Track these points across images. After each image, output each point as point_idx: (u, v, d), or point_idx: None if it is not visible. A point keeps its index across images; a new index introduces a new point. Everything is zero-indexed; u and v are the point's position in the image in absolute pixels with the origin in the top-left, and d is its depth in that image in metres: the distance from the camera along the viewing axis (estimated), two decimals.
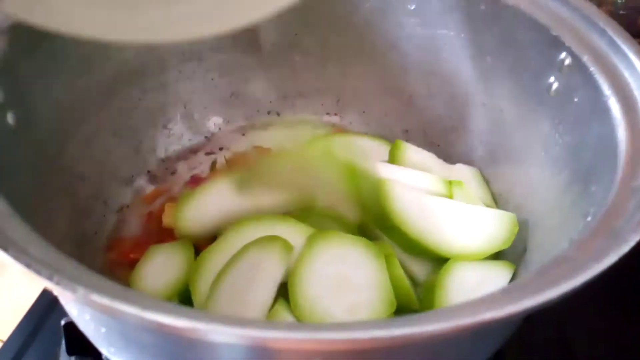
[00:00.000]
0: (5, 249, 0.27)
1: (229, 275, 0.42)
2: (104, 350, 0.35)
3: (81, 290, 0.24)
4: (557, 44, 0.46)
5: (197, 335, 0.23)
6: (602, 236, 0.31)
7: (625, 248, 0.28)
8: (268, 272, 0.41)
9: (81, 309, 0.32)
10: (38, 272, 0.25)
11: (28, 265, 0.25)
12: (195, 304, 0.43)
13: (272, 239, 0.43)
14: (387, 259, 0.45)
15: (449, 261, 0.46)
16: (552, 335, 0.51)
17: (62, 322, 0.45)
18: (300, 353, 0.24)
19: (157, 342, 0.29)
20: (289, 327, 0.23)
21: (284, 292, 0.42)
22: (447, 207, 0.49)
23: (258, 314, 0.39)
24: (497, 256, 0.49)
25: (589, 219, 0.35)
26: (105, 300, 0.24)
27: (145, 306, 0.23)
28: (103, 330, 0.32)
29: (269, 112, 0.63)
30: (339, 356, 0.28)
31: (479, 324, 0.24)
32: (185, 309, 0.25)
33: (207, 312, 0.31)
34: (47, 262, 0.26)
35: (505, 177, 0.54)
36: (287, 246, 0.43)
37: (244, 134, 0.63)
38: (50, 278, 0.25)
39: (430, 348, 0.30)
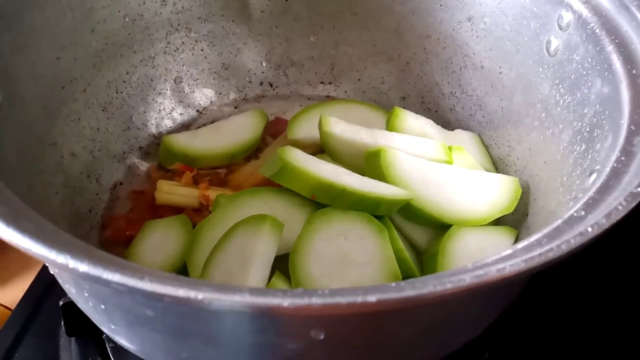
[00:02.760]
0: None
1: (220, 257, 0.40)
2: (104, 328, 0.35)
3: (76, 264, 0.23)
4: (557, 1, 0.45)
5: (197, 304, 0.22)
6: (609, 193, 0.30)
7: (633, 203, 0.27)
8: (259, 252, 0.39)
9: (78, 286, 0.32)
10: (30, 247, 0.24)
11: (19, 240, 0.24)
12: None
13: (260, 218, 0.41)
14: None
15: (451, 228, 0.46)
16: (554, 306, 0.50)
17: (61, 303, 0.45)
18: (297, 321, 0.24)
19: (159, 315, 0.28)
20: (284, 294, 0.22)
21: (280, 265, 0.41)
22: (448, 173, 0.48)
23: None
24: (497, 222, 0.48)
25: (594, 177, 0.34)
26: (106, 274, 0.23)
27: (143, 277, 0.22)
28: (102, 307, 0.31)
29: (261, 83, 0.62)
30: (345, 321, 0.27)
31: (491, 282, 0.23)
32: (184, 278, 0.24)
33: (207, 281, 0.29)
34: (41, 236, 0.25)
35: (505, 141, 0.53)
36: (276, 224, 0.41)
37: (236, 107, 0.61)
38: (45, 252, 0.24)
39: (439, 309, 0.29)
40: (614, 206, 0.27)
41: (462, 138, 0.54)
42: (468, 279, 0.23)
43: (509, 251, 0.28)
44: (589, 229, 0.26)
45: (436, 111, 0.58)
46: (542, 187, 0.47)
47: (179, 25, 0.56)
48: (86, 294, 0.32)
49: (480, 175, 0.49)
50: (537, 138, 0.48)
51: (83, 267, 0.22)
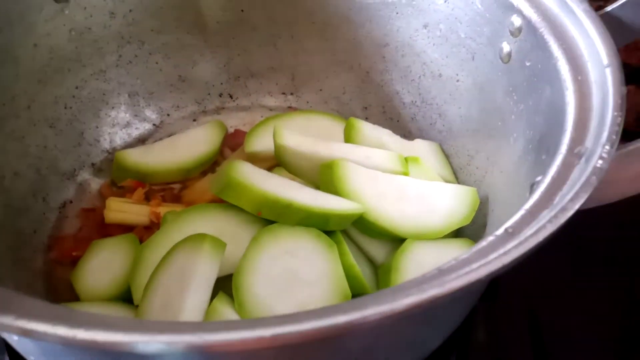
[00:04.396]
0: None
1: (159, 279, 0.39)
2: (26, 357, 0.33)
3: None
4: (508, 6, 0.43)
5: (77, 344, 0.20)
6: (543, 207, 0.28)
7: (562, 219, 0.26)
8: (200, 273, 0.38)
9: None
10: None
11: None
12: (135, 301, 0.41)
13: (200, 237, 0.39)
14: (337, 247, 0.42)
15: (405, 242, 0.44)
16: (519, 308, 0.49)
17: None
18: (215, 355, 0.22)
19: (68, 349, 0.27)
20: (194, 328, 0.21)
21: (225, 285, 0.39)
22: (403, 185, 0.47)
23: (194, 316, 0.36)
24: (457, 233, 0.47)
25: (534, 188, 0.33)
26: None
27: (18, 317, 0.20)
28: (15, 338, 0.29)
29: (220, 95, 0.61)
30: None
31: (398, 313, 0.22)
32: (76, 314, 0.22)
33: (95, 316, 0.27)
34: None
35: (465, 150, 0.52)
36: (217, 244, 0.39)
37: (195, 120, 0.60)
38: None
39: (373, 331, 0.28)
40: (542, 224, 0.26)
41: (421, 147, 0.53)
42: (371, 312, 0.22)
43: (434, 272, 0.26)
44: (513, 250, 0.25)
45: (397, 121, 0.57)
46: (499, 198, 0.45)
47: (130, 37, 0.55)
48: None
49: (437, 186, 0.47)
50: (494, 147, 0.47)
51: None
